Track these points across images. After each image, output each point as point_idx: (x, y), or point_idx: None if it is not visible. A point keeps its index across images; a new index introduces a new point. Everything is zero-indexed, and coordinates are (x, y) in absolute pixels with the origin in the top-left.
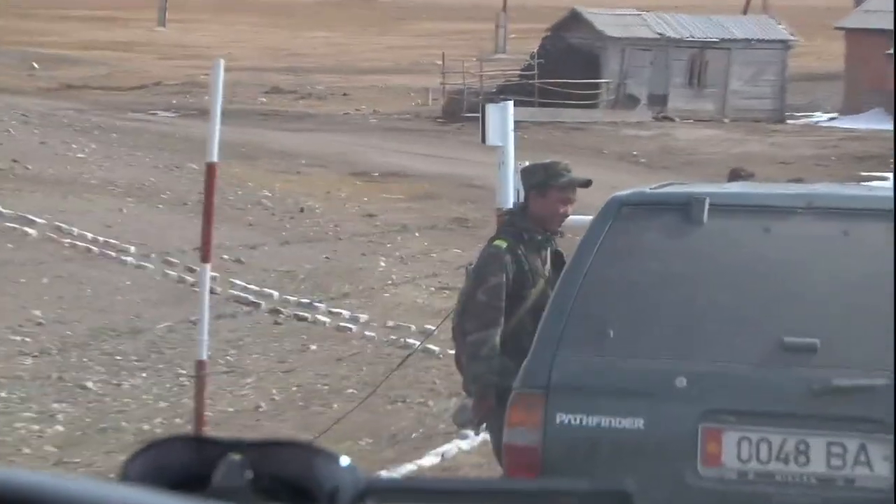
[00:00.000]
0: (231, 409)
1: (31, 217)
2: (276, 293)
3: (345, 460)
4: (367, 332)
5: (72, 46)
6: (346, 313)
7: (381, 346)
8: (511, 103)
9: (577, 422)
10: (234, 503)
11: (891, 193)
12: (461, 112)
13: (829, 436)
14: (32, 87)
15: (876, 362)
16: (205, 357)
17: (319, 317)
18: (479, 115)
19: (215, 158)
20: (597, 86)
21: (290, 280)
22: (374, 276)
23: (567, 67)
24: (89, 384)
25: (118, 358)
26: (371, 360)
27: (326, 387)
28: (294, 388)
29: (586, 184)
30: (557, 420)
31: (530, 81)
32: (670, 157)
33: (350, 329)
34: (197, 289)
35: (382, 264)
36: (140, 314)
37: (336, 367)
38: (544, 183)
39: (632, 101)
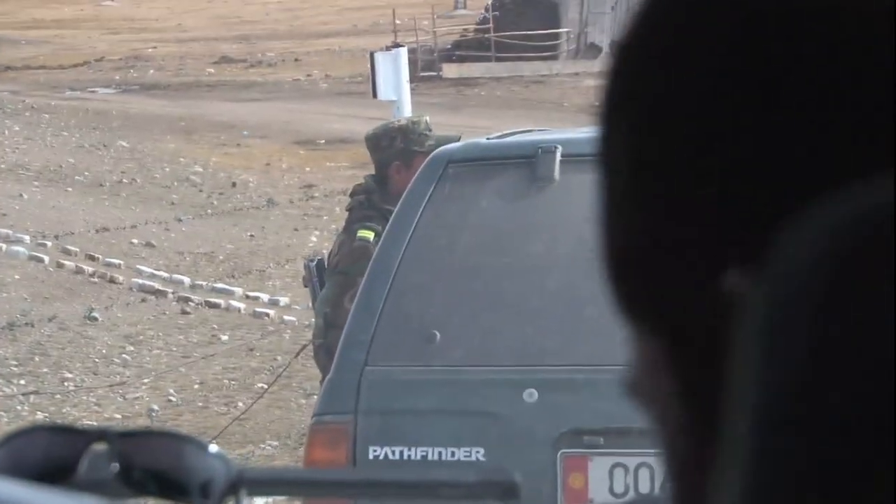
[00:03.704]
0: (119, 416)
1: None
2: (187, 279)
3: (215, 450)
4: (286, 317)
5: (14, 27)
6: (264, 297)
7: (300, 331)
8: (404, 49)
9: (397, 456)
10: (100, 496)
11: None
12: (416, 72)
13: None
14: None
15: None
16: None
17: (234, 302)
18: (435, 71)
19: None
20: (556, 36)
21: (208, 262)
22: (302, 253)
23: (524, 19)
24: None
25: None
26: (289, 348)
27: (234, 382)
28: (196, 386)
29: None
30: (370, 455)
31: (486, 36)
32: None
33: (267, 315)
34: (96, 280)
35: (314, 239)
36: (27, 312)
37: (247, 358)
38: (407, 151)
39: (594, 51)
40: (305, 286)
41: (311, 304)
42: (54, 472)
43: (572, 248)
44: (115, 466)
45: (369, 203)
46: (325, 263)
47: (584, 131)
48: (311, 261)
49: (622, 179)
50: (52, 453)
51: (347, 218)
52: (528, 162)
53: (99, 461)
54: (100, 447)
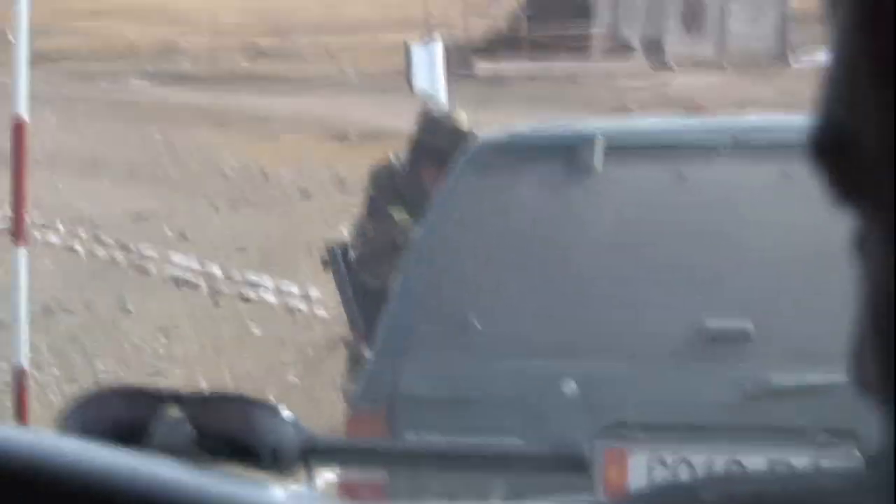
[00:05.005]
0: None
1: None
2: (219, 271)
3: (288, 415)
4: (318, 311)
5: (49, 17)
6: (296, 290)
7: (332, 324)
8: (440, 42)
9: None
10: (174, 459)
11: None
12: (448, 69)
13: (771, 451)
14: (5, 60)
15: (830, 353)
16: (25, 365)
17: (266, 296)
18: (467, 67)
19: (25, 116)
20: (589, 35)
21: (240, 255)
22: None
23: (557, 16)
24: None
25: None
26: (320, 341)
27: (266, 375)
28: (228, 378)
29: None
30: None
31: (519, 33)
32: (667, 107)
33: (299, 309)
34: (129, 270)
35: (346, 232)
36: (60, 301)
37: (279, 351)
38: (447, 153)
39: (626, 49)
40: (325, 270)
41: (336, 289)
42: (126, 434)
43: (613, 239)
44: (189, 430)
45: (392, 185)
46: (349, 252)
47: (626, 122)
48: (337, 247)
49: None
50: (124, 415)
51: (371, 200)
52: (568, 151)
53: (173, 424)
54: (174, 412)
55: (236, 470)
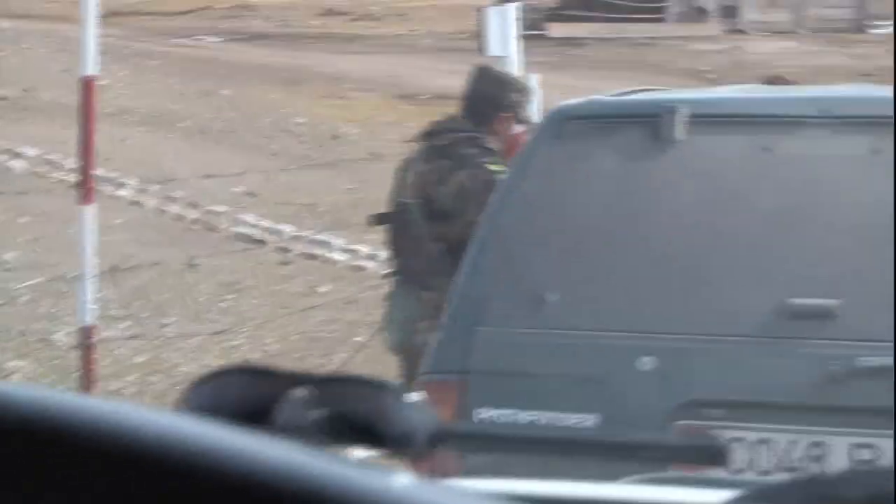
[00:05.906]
0: (217, 364)
1: (19, 149)
2: (288, 229)
3: (416, 398)
4: (386, 270)
5: None
6: (364, 249)
7: None
8: (513, 5)
9: (506, 419)
10: (298, 442)
11: None
12: (521, 31)
13: (855, 434)
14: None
15: None
16: (88, 321)
17: (334, 254)
18: (540, 30)
19: (90, 70)
20: None
21: (308, 213)
22: None
23: None
24: (57, 336)
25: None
26: None
27: (333, 334)
28: (294, 337)
29: None
30: (477, 417)
31: None
32: (742, 72)
33: (367, 267)
34: (197, 227)
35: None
36: (130, 256)
37: (346, 310)
38: (517, 106)
39: (701, 14)
40: (372, 226)
41: (401, 243)
42: (248, 415)
43: (694, 212)
44: (314, 412)
45: (473, 140)
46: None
47: (711, 92)
48: (408, 200)
49: None
50: (249, 395)
51: (448, 151)
52: (650, 121)
53: (297, 406)
54: (299, 393)
55: (362, 454)
